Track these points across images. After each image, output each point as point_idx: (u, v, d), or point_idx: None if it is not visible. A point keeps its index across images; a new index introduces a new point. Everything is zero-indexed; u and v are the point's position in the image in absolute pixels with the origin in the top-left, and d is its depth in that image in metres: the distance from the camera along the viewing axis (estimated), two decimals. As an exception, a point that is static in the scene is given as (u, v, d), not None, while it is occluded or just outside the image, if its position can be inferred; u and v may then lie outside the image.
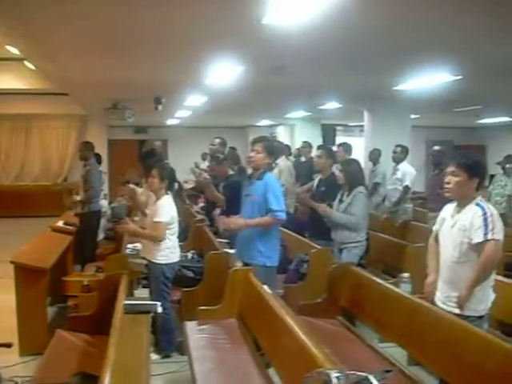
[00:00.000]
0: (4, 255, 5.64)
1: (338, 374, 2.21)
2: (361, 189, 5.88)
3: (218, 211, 6.27)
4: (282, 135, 17.36)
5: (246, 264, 5.10)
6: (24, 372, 4.80)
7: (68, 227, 7.77)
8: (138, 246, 6.26)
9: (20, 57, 7.71)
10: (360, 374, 2.23)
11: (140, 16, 4.87)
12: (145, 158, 5.30)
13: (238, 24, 5.01)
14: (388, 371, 3.05)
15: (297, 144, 14.42)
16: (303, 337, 3.18)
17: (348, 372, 2.25)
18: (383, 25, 5.05)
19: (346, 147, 8.44)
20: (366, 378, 2.20)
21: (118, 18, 4.98)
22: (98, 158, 9.21)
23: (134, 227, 5.53)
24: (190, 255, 6.58)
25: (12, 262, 5.39)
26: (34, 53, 6.94)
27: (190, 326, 4.59)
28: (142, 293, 6.38)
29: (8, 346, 4.36)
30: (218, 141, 8.27)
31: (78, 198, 8.28)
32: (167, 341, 5.19)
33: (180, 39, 5.78)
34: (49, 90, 10.42)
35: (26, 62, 8.07)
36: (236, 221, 5.19)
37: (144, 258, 5.47)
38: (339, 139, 16.88)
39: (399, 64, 7.03)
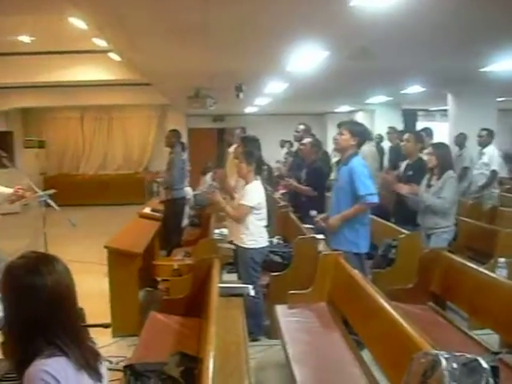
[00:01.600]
0: (96, 241, 5.84)
1: (447, 356, 2.17)
2: (451, 173, 5.74)
3: (314, 212, 6.29)
4: (362, 121, 17.13)
5: (334, 250, 5.09)
6: (117, 352, 4.96)
7: (155, 214, 7.97)
8: (225, 231, 6.34)
9: (104, 49, 7.93)
10: (469, 356, 2.18)
11: (224, 4, 4.91)
12: (245, 144, 5.36)
13: (324, 7, 4.96)
14: (496, 353, 2.97)
15: (377, 130, 14.20)
16: (400, 320, 3.16)
17: (456, 354, 2.21)
18: (474, 3, 4.89)
19: (428, 132, 8.26)
20: (476, 360, 2.15)
21: (203, 6, 5.04)
22: (183, 146, 9.36)
23: (220, 198, 5.57)
24: (275, 241, 6.61)
25: (106, 247, 5.58)
26: (120, 44, 7.12)
27: (281, 310, 4.62)
28: (228, 277, 6.46)
29: (106, 326, 4.50)
30: (302, 127, 8.26)
31: (167, 185, 8.44)
32: (256, 324, 5.24)
33: (263, 25, 5.78)
34: (132, 80, 10.67)
35: (110, 54, 8.29)
36: (333, 221, 5.20)
37: (231, 243, 5.54)
38: (420, 124, 16.52)
39: (488, 44, 6.77)
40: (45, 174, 16.96)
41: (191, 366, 3.25)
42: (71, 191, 15.59)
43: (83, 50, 8.90)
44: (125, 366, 3.40)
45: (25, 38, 7.58)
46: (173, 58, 7.77)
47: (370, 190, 4.96)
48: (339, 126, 5.32)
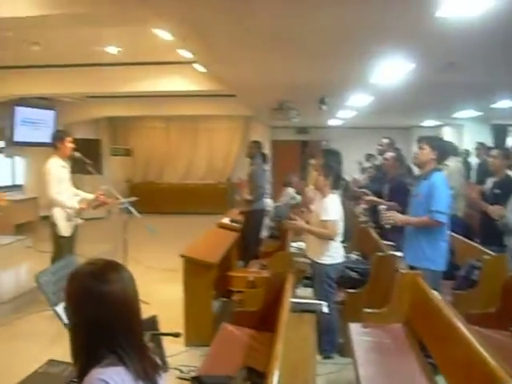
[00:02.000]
0: (174, 249, 5.89)
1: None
2: (544, 192, 5.45)
3: (382, 206, 6.11)
4: (449, 136, 16.63)
5: (410, 267, 4.92)
6: (189, 361, 4.98)
7: (233, 224, 7.99)
8: (302, 244, 6.26)
9: (189, 60, 8.04)
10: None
11: (310, 16, 4.86)
12: (325, 157, 5.28)
13: (409, 18, 4.81)
14: None
15: (465, 145, 13.74)
16: (480, 347, 2.97)
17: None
18: None
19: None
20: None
21: (288, 18, 5.01)
22: (264, 157, 9.36)
23: (303, 224, 5.49)
24: (353, 256, 6.47)
25: (182, 256, 5.62)
26: (204, 55, 7.19)
27: (355, 328, 4.48)
28: (303, 292, 6.37)
29: (176, 335, 4.52)
30: (385, 141, 8.11)
31: (247, 196, 8.43)
32: (329, 341, 5.12)
33: (349, 38, 5.70)
34: (217, 91, 10.77)
35: (195, 65, 8.40)
36: (397, 214, 5.15)
37: (308, 257, 5.45)
38: (511, 140, 15.87)
39: None
40: (130, 181, 17.42)
41: (258, 382, 3.19)
42: (155, 199, 15.96)
43: (168, 61, 9.06)
44: (192, 378, 3.38)
45: (112, 49, 7.80)
46: (257, 70, 7.79)
47: (442, 208, 4.79)
48: (419, 140, 5.18)
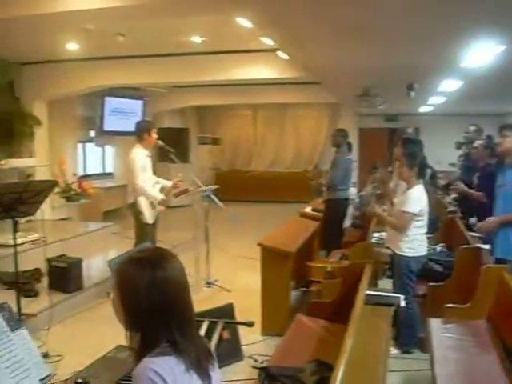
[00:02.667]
0: (257, 237, 5.88)
1: None
2: None
3: (473, 220, 5.87)
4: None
5: (498, 260, 4.67)
6: (264, 351, 4.95)
7: (315, 213, 7.89)
8: (384, 235, 6.09)
9: (273, 48, 7.99)
10: None
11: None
12: (406, 146, 5.07)
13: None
14: None
15: None
16: None
17: None
18: None
19: None
20: None
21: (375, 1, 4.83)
22: (349, 145, 9.19)
23: (379, 211, 5.33)
24: (438, 248, 6.23)
25: (259, 245, 5.59)
26: (286, 43, 7.11)
27: (435, 324, 4.30)
28: (386, 283, 6.20)
29: (249, 325, 4.51)
30: (473, 128, 7.77)
31: (324, 184, 8.32)
32: (409, 336, 4.94)
33: (436, 19, 5.43)
34: (302, 79, 10.67)
35: (279, 53, 8.34)
36: (487, 224, 4.92)
37: (389, 248, 5.28)
38: None
39: None
40: (217, 169, 17.60)
41: (327, 375, 3.10)
42: (241, 187, 16.07)
43: (252, 49, 9.05)
44: (260, 368, 3.34)
45: (196, 39, 7.86)
46: (341, 55, 7.61)
47: None
48: (501, 128, 4.90)
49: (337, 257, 6.88)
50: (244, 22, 6.20)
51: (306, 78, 10.38)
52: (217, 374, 1.90)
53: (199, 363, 1.81)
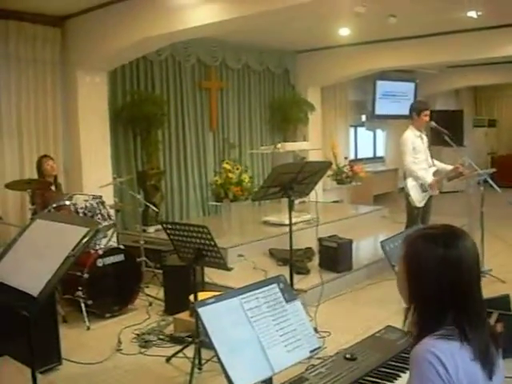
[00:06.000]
0: None
1: None
2: None
3: None
4: None
5: None
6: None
7: None
8: None
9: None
10: None
11: None
12: None
13: None
14: None
15: None
16: None
17: None
18: None
19: None
20: None
21: None
22: None
23: None
24: None
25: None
26: None
27: None
28: None
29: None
30: None
31: None
32: None
33: None
34: None
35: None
36: None
37: None
38: None
39: None
40: (493, 153, 16.55)
41: None
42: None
43: None
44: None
45: (472, 14, 7.40)
46: None
47: None
48: None
49: None
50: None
51: None
52: (501, 367, 1.74)
53: (487, 355, 1.67)
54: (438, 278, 1.68)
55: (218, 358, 2.18)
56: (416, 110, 6.53)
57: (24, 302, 2.21)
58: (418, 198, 6.41)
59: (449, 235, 1.74)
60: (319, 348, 2.56)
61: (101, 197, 6.20)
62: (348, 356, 2.50)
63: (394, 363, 2.47)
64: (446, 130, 6.68)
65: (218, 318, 2.28)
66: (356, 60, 10.49)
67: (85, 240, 2.30)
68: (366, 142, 14.42)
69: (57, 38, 7.29)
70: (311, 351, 2.49)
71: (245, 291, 2.44)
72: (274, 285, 2.55)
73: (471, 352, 1.63)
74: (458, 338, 1.64)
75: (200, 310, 2.26)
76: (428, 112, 6.55)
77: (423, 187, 6.44)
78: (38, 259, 2.39)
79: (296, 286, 5.43)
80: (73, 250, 2.26)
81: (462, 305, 1.68)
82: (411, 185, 6.39)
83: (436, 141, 9.26)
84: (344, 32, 8.73)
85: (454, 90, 15.69)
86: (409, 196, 6.43)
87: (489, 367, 1.66)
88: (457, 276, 1.68)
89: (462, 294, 1.68)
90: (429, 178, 6.44)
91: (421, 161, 6.49)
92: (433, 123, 6.64)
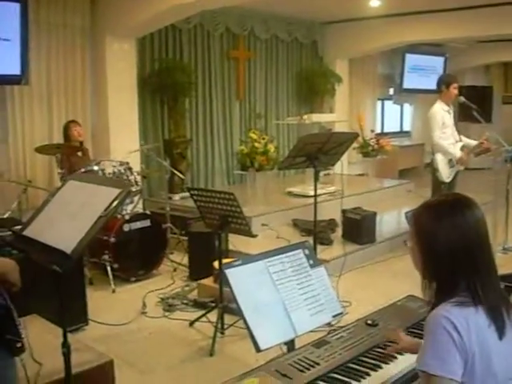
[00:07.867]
0: None
1: None
2: None
3: None
4: None
5: None
6: None
7: None
8: None
9: None
10: None
11: None
12: None
13: None
14: None
15: None
16: None
17: None
18: None
19: None
20: None
21: None
22: None
23: None
24: None
25: None
26: None
27: None
28: None
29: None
30: None
31: None
32: None
33: None
34: None
35: None
36: None
37: None
38: None
39: None
40: (522, 131, 16.30)
41: None
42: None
43: None
44: None
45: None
46: None
47: None
48: None
49: None
50: None
51: None
52: None
53: (498, 312, 1.72)
54: (447, 246, 1.73)
55: (244, 319, 2.24)
56: (445, 82, 6.44)
57: (57, 259, 2.28)
58: (445, 173, 6.37)
59: (455, 203, 1.79)
60: (341, 313, 2.62)
61: (128, 163, 6.26)
62: (369, 322, 2.55)
63: (414, 330, 2.51)
64: (475, 106, 6.60)
65: (244, 280, 2.34)
66: (385, 33, 10.36)
67: (117, 201, 2.35)
68: (393, 116, 14.31)
69: (87, 3, 7.31)
70: (334, 316, 2.55)
71: (271, 255, 2.49)
72: (299, 250, 2.60)
73: (484, 316, 1.69)
74: (472, 303, 1.69)
75: (227, 272, 2.32)
76: (457, 85, 6.45)
77: (451, 162, 6.40)
78: (70, 218, 2.46)
79: (319, 256, 5.47)
80: (105, 210, 2.32)
81: (474, 269, 1.73)
82: (440, 159, 6.35)
83: (463, 117, 9.17)
84: (374, 3, 8.64)
85: (483, 66, 15.41)
86: (437, 171, 6.38)
87: (500, 328, 1.71)
88: (465, 242, 1.72)
89: (472, 259, 1.73)
90: (457, 152, 6.40)
91: (448, 136, 6.42)
92: (461, 98, 6.55)
